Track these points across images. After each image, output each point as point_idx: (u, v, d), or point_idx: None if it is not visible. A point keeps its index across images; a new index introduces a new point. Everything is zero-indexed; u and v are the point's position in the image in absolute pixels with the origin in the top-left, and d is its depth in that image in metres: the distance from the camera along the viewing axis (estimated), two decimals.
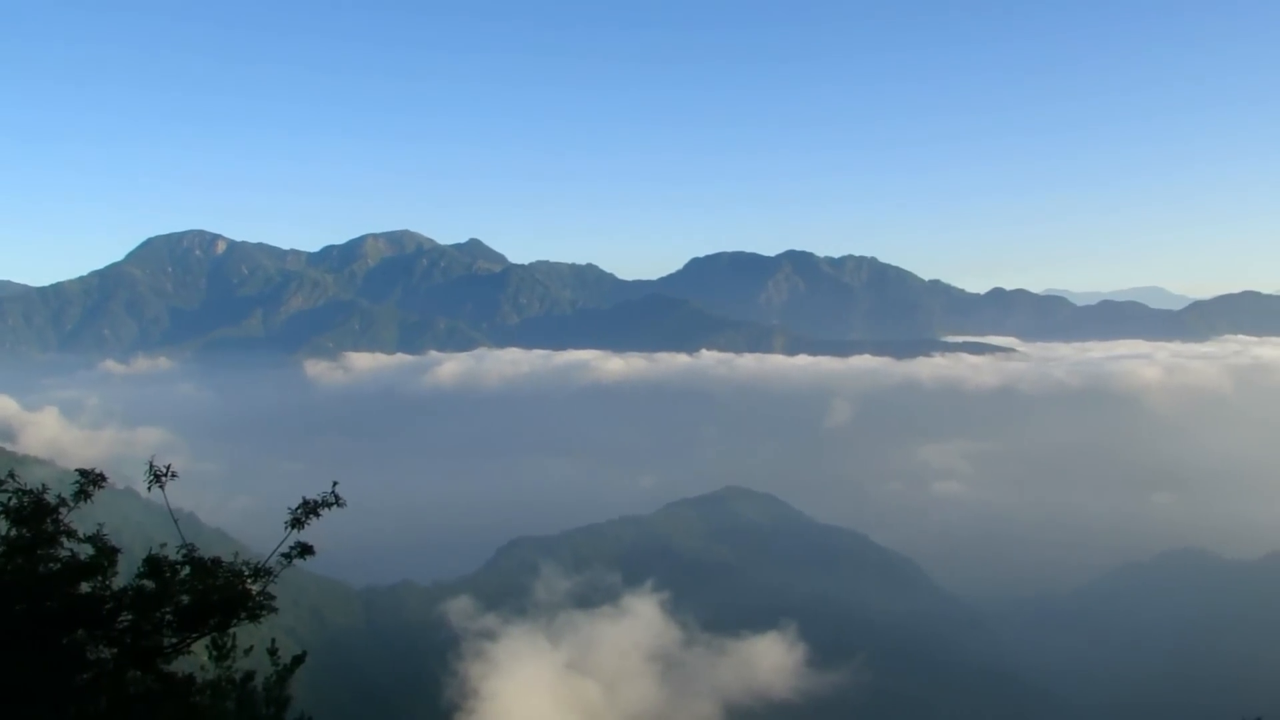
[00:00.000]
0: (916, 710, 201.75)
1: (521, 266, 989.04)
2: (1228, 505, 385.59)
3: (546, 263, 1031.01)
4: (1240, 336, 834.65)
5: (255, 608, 17.13)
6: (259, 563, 17.39)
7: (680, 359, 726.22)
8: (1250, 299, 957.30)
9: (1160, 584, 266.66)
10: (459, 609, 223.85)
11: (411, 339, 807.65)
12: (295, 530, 17.80)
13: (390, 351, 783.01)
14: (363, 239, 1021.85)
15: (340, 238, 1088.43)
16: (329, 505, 17.97)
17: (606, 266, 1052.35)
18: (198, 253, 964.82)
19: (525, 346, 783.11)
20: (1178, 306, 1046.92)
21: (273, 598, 17.38)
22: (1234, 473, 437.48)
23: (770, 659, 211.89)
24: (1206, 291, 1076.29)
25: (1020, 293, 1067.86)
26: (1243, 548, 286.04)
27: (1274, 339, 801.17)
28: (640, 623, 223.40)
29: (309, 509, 17.86)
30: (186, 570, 16.97)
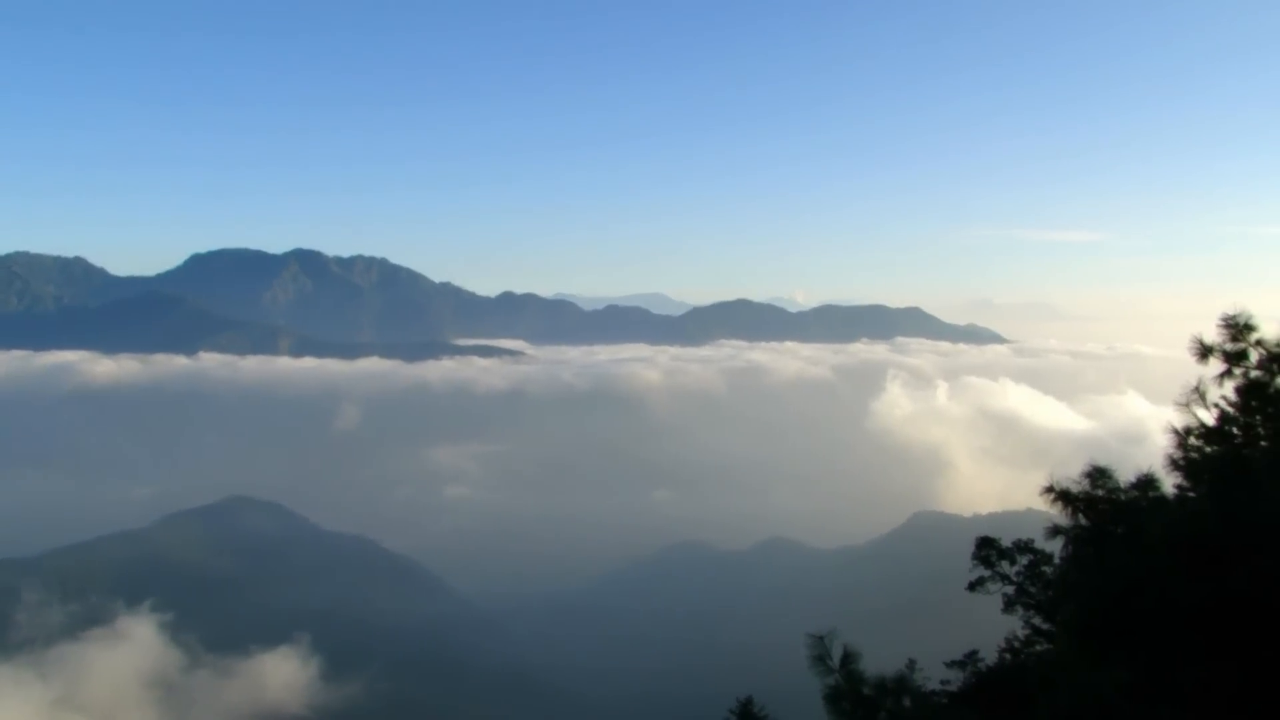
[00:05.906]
0: (435, 715, 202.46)
1: None
2: (722, 499, 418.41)
3: (27, 254, 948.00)
4: (734, 341, 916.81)
5: None
6: None
7: (178, 361, 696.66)
8: (742, 306, 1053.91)
9: (664, 576, 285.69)
10: None
11: None
12: None
13: None
14: None
15: None
16: None
17: (97, 260, 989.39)
18: None
19: (1, 347, 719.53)
20: (678, 312, 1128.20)
21: None
22: (727, 468, 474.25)
23: (281, 675, 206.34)
24: (704, 299, 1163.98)
25: (530, 296, 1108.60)
26: (736, 538, 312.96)
27: (763, 343, 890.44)
28: (138, 647, 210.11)
29: None
30: None
